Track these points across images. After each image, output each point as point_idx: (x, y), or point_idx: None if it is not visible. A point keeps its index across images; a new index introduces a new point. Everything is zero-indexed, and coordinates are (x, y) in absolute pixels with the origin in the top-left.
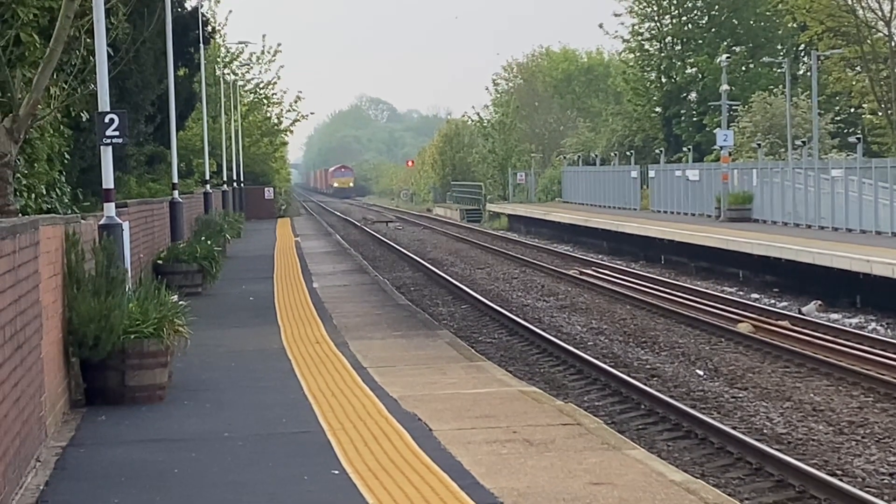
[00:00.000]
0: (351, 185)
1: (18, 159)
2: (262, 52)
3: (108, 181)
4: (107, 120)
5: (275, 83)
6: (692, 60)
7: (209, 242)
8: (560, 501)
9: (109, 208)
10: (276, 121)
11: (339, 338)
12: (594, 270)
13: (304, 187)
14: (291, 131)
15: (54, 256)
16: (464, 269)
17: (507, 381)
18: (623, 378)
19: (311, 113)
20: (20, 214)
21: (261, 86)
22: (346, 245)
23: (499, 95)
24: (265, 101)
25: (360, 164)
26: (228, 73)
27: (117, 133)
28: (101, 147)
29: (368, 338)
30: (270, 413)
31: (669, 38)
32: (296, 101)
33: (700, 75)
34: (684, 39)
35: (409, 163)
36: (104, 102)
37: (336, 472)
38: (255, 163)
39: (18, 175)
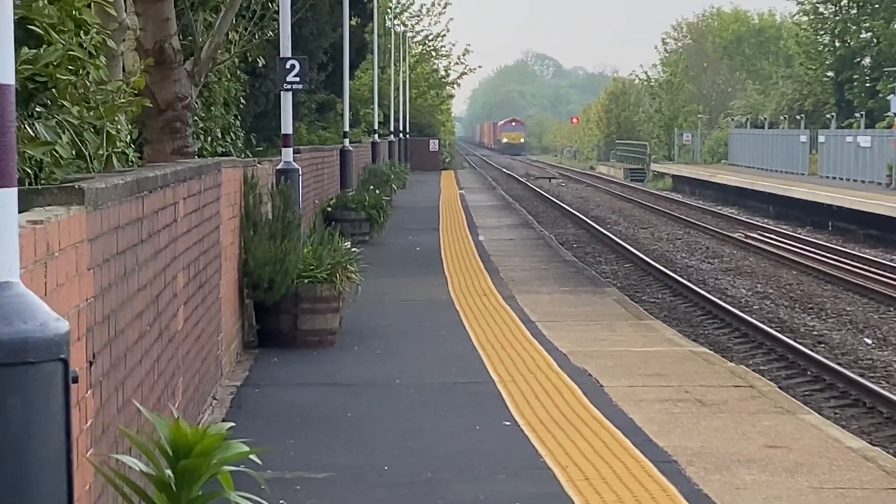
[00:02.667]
0: (522, 140)
1: (197, 102)
2: (433, 5)
3: (287, 126)
4: (287, 66)
5: (443, 36)
6: (868, 24)
7: (377, 192)
8: (735, 463)
9: (287, 153)
10: (443, 73)
11: (507, 291)
12: (759, 234)
13: (469, 141)
14: (458, 84)
15: (234, 199)
16: (627, 228)
17: (677, 341)
18: (789, 343)
19: (479, 66)
20: (197, 156)
21: (430, 38)
22: (510, 199)
23: (667, 55)
24: (433, 54)
25: (524, 119)
26: (398, 25)
27: (297, 79)
28: (281, 93)
29: (536, 292)
30: (440, 362)
31: (845, 1)
32: (464, 55)
33: (875, 40)
34: (860, 3)
35: (574, 120)
36: (285, 48)
37: (508, 423)
38: (420, 114)
39: (196, 118)
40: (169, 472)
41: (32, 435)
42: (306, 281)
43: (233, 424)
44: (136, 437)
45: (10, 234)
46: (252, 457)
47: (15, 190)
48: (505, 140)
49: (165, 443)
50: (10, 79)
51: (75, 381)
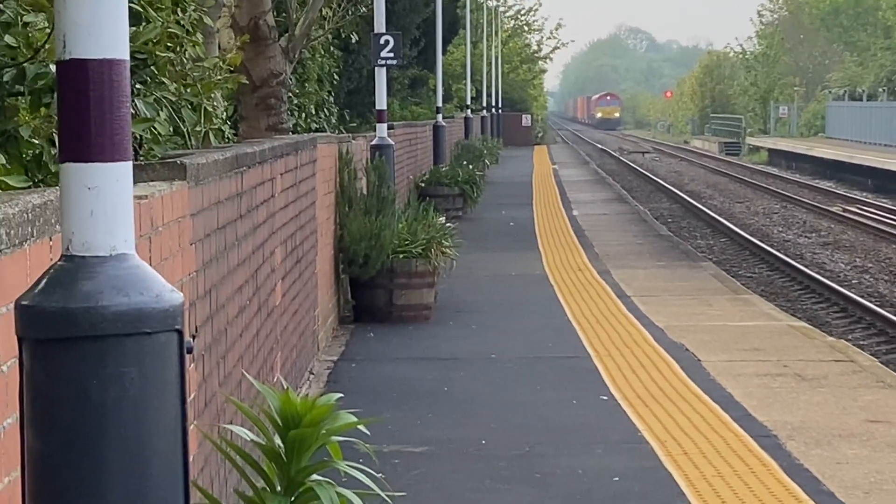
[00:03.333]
0: (617, 115)
1: (291, 78)
2: None
3: (382, 102)
4: (382, 41)
5: (535, 10)
6: None
7: (470, 167)
8: (836, 437)
9: (382, 129)
10: (535, 48)
11: (602, 266)
12: (858, 208)
13: (561, 116)
14: (551, 59)
15: (329, 174)
16: (722, 203)
17: (775, 315)
18: (889, 318)
19: (572, 41)
20: (291, 133)
21: (522, 12)
22: (604, 174)
23: (763, 27)
24: (525, 28)
25: (618, 93)
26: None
27: (391, 55)
28: (376, 68)
29: (631, 267)
30: (535, 337)
31: None
32: (556, 29)
33: None
34: None
35: (668, 94)
36: (379, 24)
37: (605, 397)
38: (513, 90)
39: (290, 94)
40: (278, 441)
41: (149, 404)
42: (401, 256)
43: (341, 395)
44: (245, 407)
45: (125, 206)
46: (361, 428)
47: (130, 164)
48: (599, 115)
49: (275, 413)
50: (125, 54)
51: (189, 351)
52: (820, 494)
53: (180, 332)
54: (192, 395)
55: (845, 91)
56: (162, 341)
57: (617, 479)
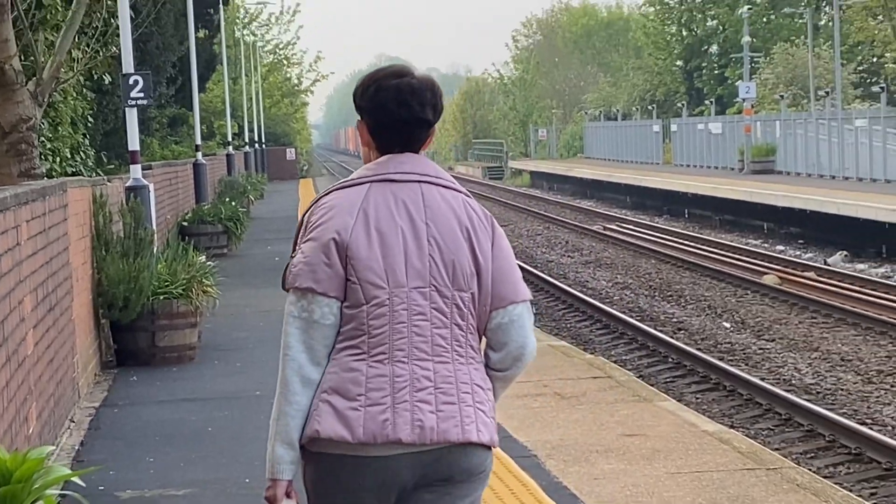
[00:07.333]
0: None
1: (43, 123)
2: (281, 13)
3: (134, 143)
4: (131, 81)
5: (294, 44)
6: (713, 12)
7: (233, 203)
8: (593, 453)
9: (136, 170)
10: (296, 81)
11: None
12: (618, 225)
13: (328, 148)
14: (312, 91)
15: (82, 218)
16: None
17: (536, 336)
18: (650, 332)
19: (331, 73)
20: (45, 178)
21: (280, 46)
22: None
23: (518, 52)
24: (285, 62)
25: None
26: (248, 35)
27: (142, 94)
28: (126, 109)
29: None
30: None
31: None
32: (315, 62)
33: (721, 27)
34: None
35: None
36: (128, 64)
37: None
38: (276, 124)
39: (43, 139)
40: None
41: None
42: (162, 297)
43: (52, 448)
44: None
45: None
46: (76, 480)
47: None
48: None
49: None
50: None
51: None
52: None
53: None
54: None
55: (601, 111)
56: None
57: None
